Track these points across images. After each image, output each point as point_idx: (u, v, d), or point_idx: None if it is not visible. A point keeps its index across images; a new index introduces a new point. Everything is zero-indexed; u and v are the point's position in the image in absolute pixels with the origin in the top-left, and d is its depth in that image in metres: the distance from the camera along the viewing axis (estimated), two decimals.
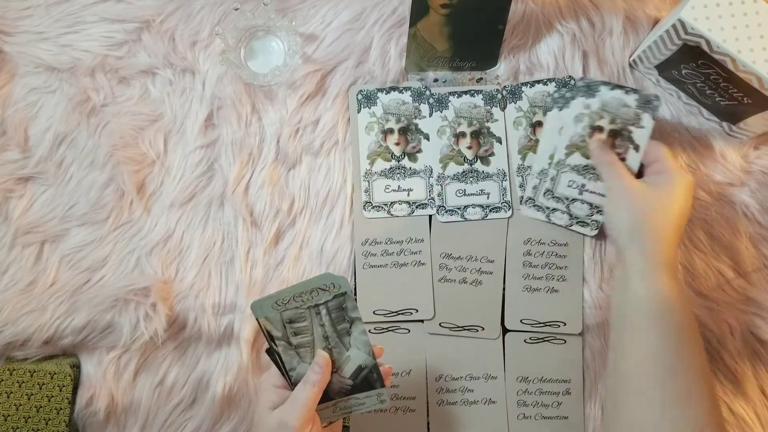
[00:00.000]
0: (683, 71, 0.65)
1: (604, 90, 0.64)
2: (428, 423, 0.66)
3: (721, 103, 0.65)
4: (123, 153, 0.68)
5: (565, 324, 0.67)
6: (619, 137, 0.63)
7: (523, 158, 0.69)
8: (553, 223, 0.68)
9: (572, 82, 0.70)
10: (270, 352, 0.54)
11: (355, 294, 0.67)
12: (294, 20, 0.70)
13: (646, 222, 0.58)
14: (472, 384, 0.66)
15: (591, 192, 0.66)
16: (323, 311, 0.53)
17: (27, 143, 0.69)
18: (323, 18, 0.70)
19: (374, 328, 0.67)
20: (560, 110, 0.66)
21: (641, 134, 0.63)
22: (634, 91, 0.63)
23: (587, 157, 0.65)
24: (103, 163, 0.68)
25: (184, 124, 0.69)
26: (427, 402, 0.66)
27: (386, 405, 0.56)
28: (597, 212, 0.66)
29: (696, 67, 0.63)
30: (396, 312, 0.67)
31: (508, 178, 0.69)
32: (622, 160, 0.63)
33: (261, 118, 0.69)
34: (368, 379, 0.55)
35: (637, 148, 0.63)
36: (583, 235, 0.68)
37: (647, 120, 0.63)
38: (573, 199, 0.66)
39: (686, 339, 0.54)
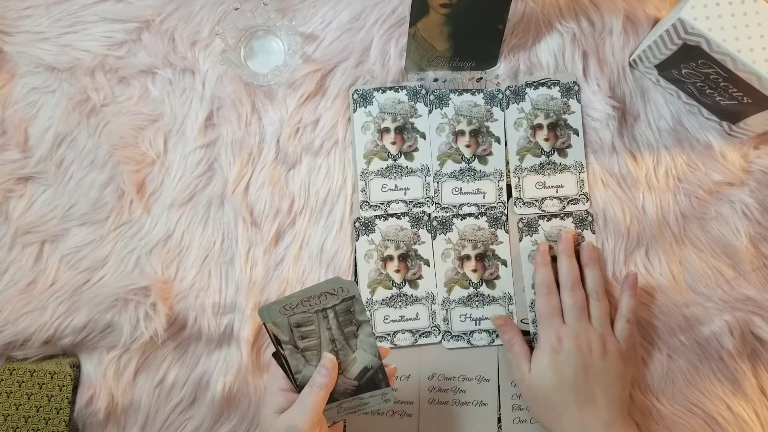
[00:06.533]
0: (683, 71, 0.65)
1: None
2: (419, 420, 0.66)
3: (721, 102, 0.65)
4: (123, 153, 0.68)
5: None
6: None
7: (521, 159, 0.69)
8: (477, 346, 0.67)
9: (576, 87, 0.70)
10: (276, 355, 0.54)
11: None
12: (294, 20, 0.70)
13: (550, 419, 0.60)
14: (464, 385, 0.66)
15: (485, 318, 0.67)
16: (330, 315, 0.53)
17: (27, 143, 0.69)
18: (323, 18, 0.70)
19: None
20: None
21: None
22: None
23: (466, 288, 0.67)
24: (103, 163, 0.68)
25: (184, 124, 0.69)
26: (419, 399, 0.66)
27: (391, 404, 0.56)
28: (497, 336, 0.66)
29: (696, 66, 0.63)
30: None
31: (504, 178, 0.69)
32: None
33: (261, 117, 0.69)
34: (373, 379, 0.55)
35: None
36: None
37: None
38: (471, 332, 0.66)
39: None
